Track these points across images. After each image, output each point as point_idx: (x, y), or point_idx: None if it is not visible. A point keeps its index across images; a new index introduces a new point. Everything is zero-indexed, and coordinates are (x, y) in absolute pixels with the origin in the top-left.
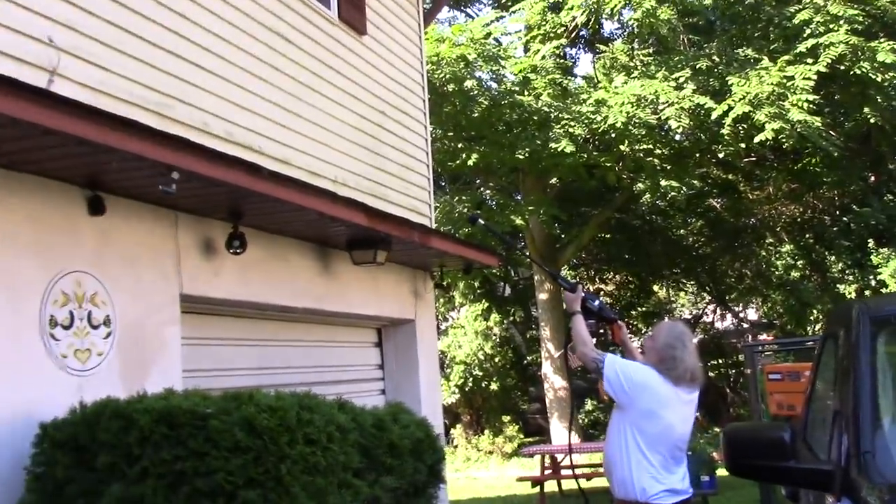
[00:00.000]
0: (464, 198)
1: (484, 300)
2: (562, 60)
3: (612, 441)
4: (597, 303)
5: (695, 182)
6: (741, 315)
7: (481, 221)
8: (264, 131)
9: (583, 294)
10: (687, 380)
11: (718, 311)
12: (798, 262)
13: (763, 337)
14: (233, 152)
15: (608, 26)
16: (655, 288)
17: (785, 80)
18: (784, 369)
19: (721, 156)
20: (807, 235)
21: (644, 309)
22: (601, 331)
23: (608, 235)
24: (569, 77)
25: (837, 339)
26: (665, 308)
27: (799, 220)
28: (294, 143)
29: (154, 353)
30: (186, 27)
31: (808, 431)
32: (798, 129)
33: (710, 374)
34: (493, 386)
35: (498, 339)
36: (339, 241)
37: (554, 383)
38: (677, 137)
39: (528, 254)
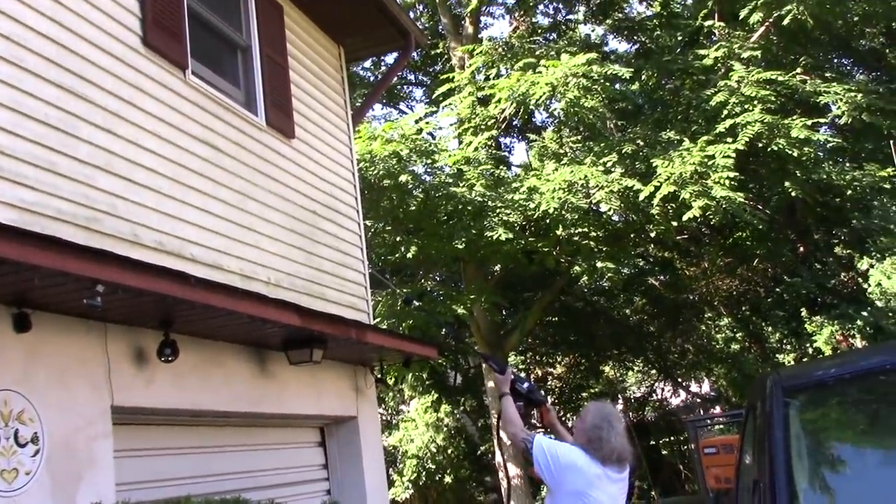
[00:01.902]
0: (405, 290)
1: (433, 391)
2: (495, 151)
3: None
4: (525, 385)
5: (632, 262)
6: (692, 390)
7: (416, 303)
8: (196, 239)
9: (512, 376)
10: (614, 460)
11: (670, 387)
12: (737, 335)
13: (715, 410)
14: (164, 262)
15: (539, 115)
16: (604, 368)
17: (706, 160)
18: (718, 442)
19: (654, 235)
20: (743, 308)
21: (594, 390)
22: (532, 413)
23: (553, 318)
24: (501, 167)
25: (756, 409)
26: (615, 388)
27: (734, 293)
28: (226, 249)
29: (85, 469)
30: (120, 145)
31: (740, 503)
32: (723, 206)
33: (664, 451)
34: (448, 478)
35: (450, 430)
36: (274, 341)
37: (509, 471)
38: (615, 218)
39: (461, 339)
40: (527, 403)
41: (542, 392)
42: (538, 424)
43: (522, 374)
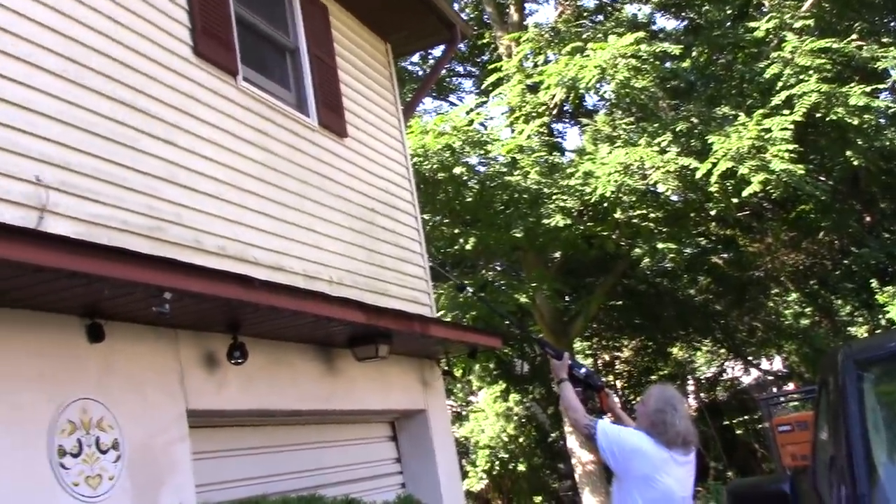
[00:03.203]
0: (464, 281)
1: (501, 381)
2: (548, 137)
3: None
4: (583, 370)
5: (694, 241)
6: (763, 367)
7: (469, 290)
8: (257, 242)
9: (569, 361)
10: (679, 443)
11: (741, 366)
12: (806, 310)
13: (788, 387)
14: (227, 266)
15: (590, 99)
16: (672, 350)
17: (763, 133)
18: (793, 420)
19: (714, 212)
20: (811, 282)
21: (663, 372)
22: (592, 399)
23: (617, 302)
24: (555, 153)
25: (828, 385)
26: (683, 369)
27: (801, 267)
28: (287, 250)
29: (166, 472)
30: (180, 155)
31: (818, 479)
32: (784, 179)
33: (738, 431)
34: (521, 467)
35: (520, 419)
36: (340, 339)
37: (581, 458)
38: (673, 198)
39: (525, 328)
40: (585, 388)
41: (600, 377)
42: (598, 410)
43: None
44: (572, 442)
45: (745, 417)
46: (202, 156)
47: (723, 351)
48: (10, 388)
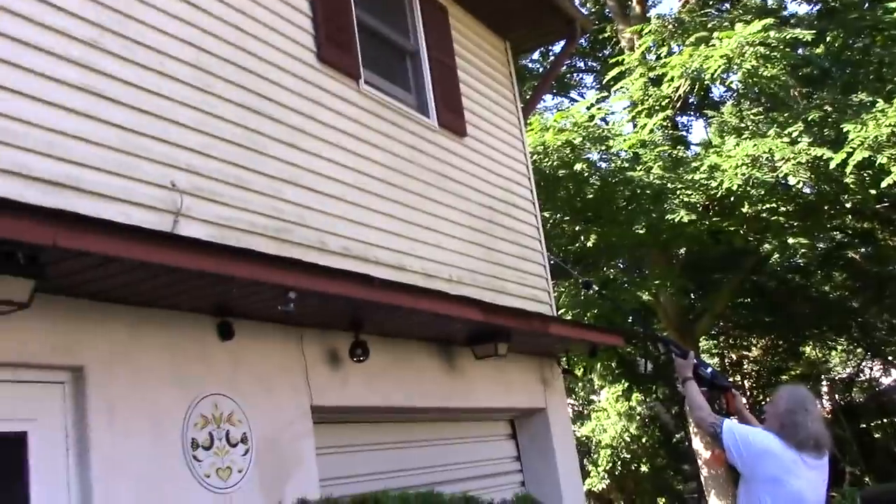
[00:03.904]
0: (586, 278)
1: (623, 380)
2: (672, 131)
3: None
4: (709, 370)
5: (828, 236)
6: None
7: (594, 287)
8: (379, 242)
9: (694, 361)
10: (811, 446)
11: (880, 366)
12: None
13: None
14: (350, 266)
15: (716, 90)
16: (804, 349)
17: None
18: None
19: (850, 205)
20: None
21: (794, 372)
22: (717, 400)
23: (745, 300)
24: (679, 147)
25: None
26: (817, 369)
27: None
28: (408, 250)
29: (291, 466)
30: (304, 158)
31: None
32: None
33: (876, 435)
34: (644, 468)
35: (643, 419)
36: (459, 337)
37: (707, 459)
38: (805, 191)
39: (648, 326)
40: (710, 388)
41: (726, 377)
42: (724, 411)
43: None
44: (698, 443)
45: (884, 420)
46: (326, 159)
47: (860, 350)
48: (146, 383)
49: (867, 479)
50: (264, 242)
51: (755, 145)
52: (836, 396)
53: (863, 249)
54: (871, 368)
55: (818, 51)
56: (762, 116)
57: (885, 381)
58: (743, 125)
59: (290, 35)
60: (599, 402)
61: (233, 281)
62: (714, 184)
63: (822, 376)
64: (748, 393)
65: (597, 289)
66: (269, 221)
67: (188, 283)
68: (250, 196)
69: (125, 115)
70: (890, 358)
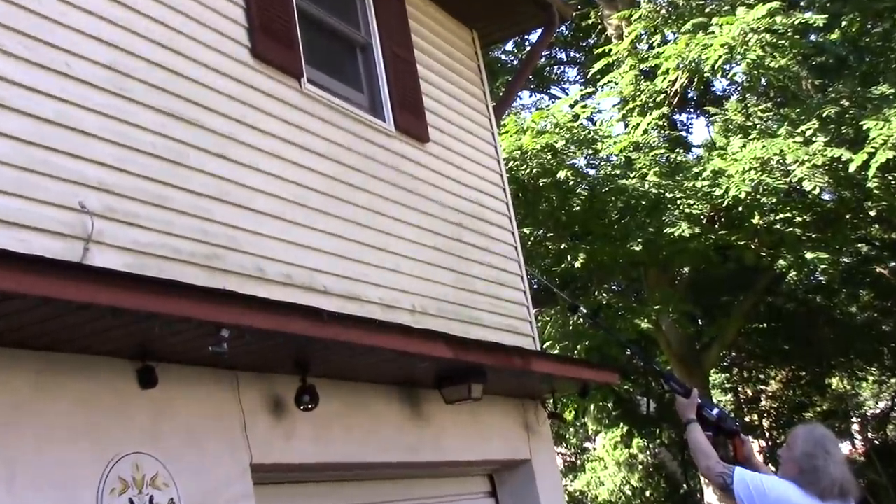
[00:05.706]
0: (576, 303)
1: (621, 423)
2: (669, 131)
3: None
4: (715, 411)
5: (851, 249)
6: None
7: (582, 310)
8: (327, 268)
9: (699, 400)
10: (835, 494)
11: None
12: None
13: None
14: (294, 297)
15: (718, 84)
16: (831, 381)
17: None
18: None
19: (874, 213)
20: None
21: (820, 409)
22: (724, 445)
23: (760, 325)
24: (678, 149)
25: None
26: (845, 404)
27: None
28: (361, 276)
29: None
30: (236, 171)
31: None
32: None
33: None
34: None
35: (646, 468)
36: (425, 379)
37: None
38: (824, 198)
39: (649, 359)
40: (717, 432)
41: (736, 420)
42: (731, 457)
43: (716, 395)
44: (710, 495)
45: None
46: (262, 171)
47: (894, 380)
48: (55, 441)
49: None
50: (191, 271)
51: (764, 146)
52: (869, 435)
53: (892, 264)
54: None
55: (832, 37)
56: (771, 113)
57: None
58: (749, 123)
59: (219, 28)
60: (594, 450)
61: (155, 318)
62: (719, 192)
63: (852, 412)
64: (766, 434)
65: (584, 311)
66: (197, 246)
67: (102, 322)
68: (174, 217)
69: (23, 123)
70: None
